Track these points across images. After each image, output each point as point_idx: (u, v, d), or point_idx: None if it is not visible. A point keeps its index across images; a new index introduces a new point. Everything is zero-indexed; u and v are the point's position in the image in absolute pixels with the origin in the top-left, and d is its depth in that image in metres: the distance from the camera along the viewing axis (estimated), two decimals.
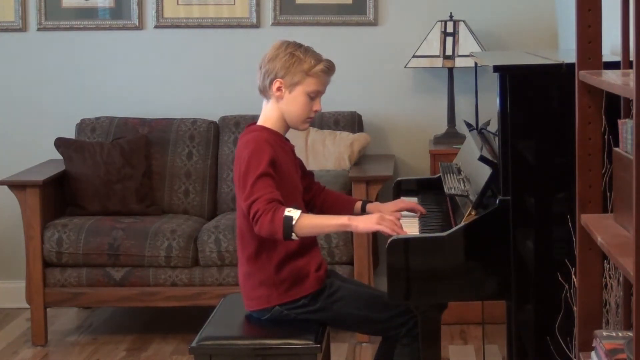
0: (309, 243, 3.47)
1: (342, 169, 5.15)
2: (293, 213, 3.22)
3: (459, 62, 5.26)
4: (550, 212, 3.20)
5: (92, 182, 5.15)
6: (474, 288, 3.24)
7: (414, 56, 5.32)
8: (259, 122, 3.49)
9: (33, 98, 5.63)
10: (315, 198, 3.67)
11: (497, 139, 3.31)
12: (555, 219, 3.18)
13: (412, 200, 3.84)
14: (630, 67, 2.27)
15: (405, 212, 3.62)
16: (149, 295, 4.95)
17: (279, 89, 3.41)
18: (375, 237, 5.16)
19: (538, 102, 3.21)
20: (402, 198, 3.94)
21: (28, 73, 5.63)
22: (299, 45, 3.46)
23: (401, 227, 3.29)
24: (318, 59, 3.44)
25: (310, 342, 3.34)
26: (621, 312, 2.72)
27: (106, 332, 5.22)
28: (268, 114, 3.48)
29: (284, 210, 3.23)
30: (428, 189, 4.03)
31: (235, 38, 5.59)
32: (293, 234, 3.23)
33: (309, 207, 3.62)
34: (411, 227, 3.47)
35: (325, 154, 5.17)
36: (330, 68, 3.45)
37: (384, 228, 3.27)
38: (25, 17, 5.61)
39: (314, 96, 3.44)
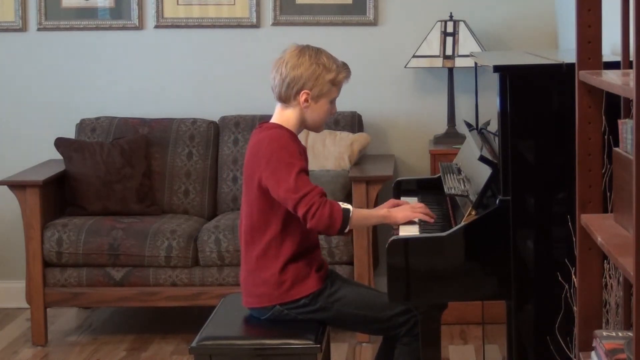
0: (312, 244, 3.49)
1: (342, 169, 5.15)
2: (348, 206, 3.34)
3: (459, 62, 5.26)
4: (550, 212, 3.20)
5: (92, 182, 5.15)
6: (474, 288, 3.25)
7: (414, 56, 5.32)
8: (275, 122, 3.50)
9: (33, 98, 5.63)
10: None
11: (497, 139, 3.31)
12: (555, 219, 3.19)
13: (412, 200, 3.84)
14: (630, 67, 2.27)
15: None
16: (149, 295, 4.95)
17: (306, 100, 3.43)
18: (375, 237, 5.16)
19: (538, 102, 3.21)
20: (402, 198, 3.95)
21: (28, 73, 5.63)
22: (319, 51, 3.47)
23: (430, 214, 3.49)
24: (339, 65, 3.49)
25: (310, 342, 3.34)
26: (621, 312, 2.72)
27: (106, 332, 5.22)
28: (287, 118, 3.48)
29: (338, 204, 3.33)
30: (428, 189, 4.03)
31: (235, 38, 5.59)
32: (348, 226, 3.33)
33: None
34: (411, 228, 3.47)
35: (325, 154, 5.17)
36: (349, 75, 3.53)
37: (420, 215, 3.46)
38: (25, 17, 5.61)
39: (333, 101, 3.50)
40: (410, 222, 3.52)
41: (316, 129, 3.54)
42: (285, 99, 3.46)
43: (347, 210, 3.33)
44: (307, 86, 3.42)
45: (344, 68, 3.49)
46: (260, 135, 3.45)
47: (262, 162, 3.36)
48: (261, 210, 3.41)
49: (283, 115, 3.48)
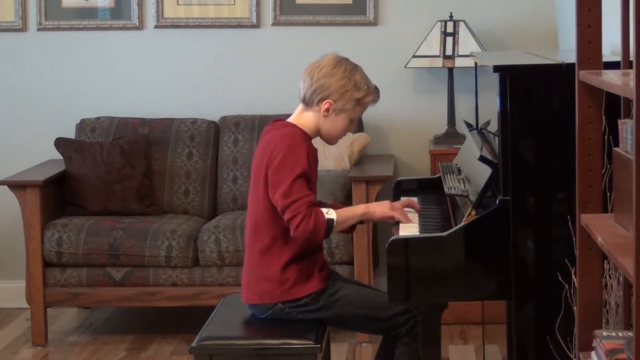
0: (316, 244, 3.49)
1: (342, 169, 5.15)
2: (332, 215, 3.36)
3: (459, 62, 5.26)
4: (550, 212, 3.20)
5: (92, 182, 5.15)
6: (474, 288, 3.25)
7: (414, 56, 5.32)
8: (292, 122, 3.50)
9: (33, 98, 5.64)
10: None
11: (497, 139, 3.31)
12: (555, 219, 3.19)
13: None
14: (630, 67, 2.27)
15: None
16: (149, 295, 4.95)
17: (327, 109, 3.44)
18: (375, 237, 5.16)
19: (538, 102, 3.21)
20: (402, 199, 3.95)
21: (28, 73, 5.63)
22: (355, 68, 3.49)
23: (408, 217, 3.53)
24: (370, 87, 3.50)
25: (310, 342, 3.34)
26: (621, 312, 2.72)
27: (106, 332, 5.22)
28: (305, 121, 3.49)
29: (323, 214, 3.34)
30: (428, 189, 4.03)
31: (235, 38, 5.59)
32: (330, 234, 3.40)
33: None
34: (411, 227, 3.48)
35: (325, 154, 5.17)
36: (377, 99, 3.55)
37: (397, 214, 3.49)
38: (25, 17, 5.61)
39: (353, 120, 3.52)
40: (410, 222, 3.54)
41: (328, 140, 3.55)
42: (308, 102, 3.47)
43: (332, 220, 3.35)
44: (333, 97, 3.44)
45: (374, 92, 3.51)
46: (272, 132, 3.46)
47: (271, 157, 3.38)
48: (266, 206, 3.42)
49: (301, 117, 3.50)
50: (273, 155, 3.37)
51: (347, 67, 3.46)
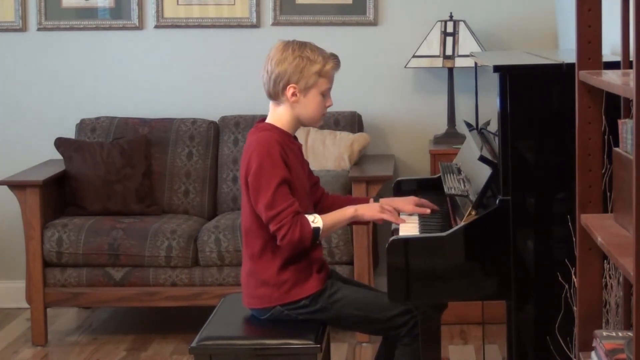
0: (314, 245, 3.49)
1: (342, 169, 5.15)
2: (318, 223, 3.35)
3: (459, 62, 5.26)
4: (550, 212, 3.20)
5: (92, 182, 5.15)
6: (474, 288, 3.24)
7: (414, 56, 5.32)
8: (269, 122, 3.49)
9: (33, 98, 5.63)
10: (322, 201, 3.67)
11: (497, 139, 3.31)
12: (555, 219, 3.19)
13: None
14: (630, 67, 2.27)
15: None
16: (149, 295, 4.95)
17: (293, 94, 3.42)
18: (375, 237, 5.16)
19: (538, 102, 3.21)
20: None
21: (28, 73, 5.63)
22: (303, 45, 3.46)
23: (399, 217, 3.51)
24: (325, 56, 3.46)
25: (310, 342, 3.34)
26: (621, 312, 2.72)
27: (106, 332, 5.22)
28: (280, 116, 3.47)
29: (309, 223, 3.33)
30: (428, 189, 4.03)
31: (235, 38, 5.59)
32: (318, 240, 3.39)
33: (316, 209, 3.62)
34: (411, 228, 3.47)
35: (325, 154, 5.17)
36: (338, 63, 3.49)
37: (387, 216, 3.46)
38: (25, 17, 5.61)
39: (326, 93, 3.47)
40: (411, 222, 3.53)
41: (313, 123, 3.51)
42: (274, 95, 3.46)
43: (317, 229, 3.35)
44: (293, 80, 3.41)
45: (331, 58, 3.46)
46: (252, 136, 3.45)
47: (249, 164, 3.38)
48: (253, 212, 3.41)
49: (276, 114, 3.48)
50: (251, 162, 3.37)
51: (294, 48, 3.44)
